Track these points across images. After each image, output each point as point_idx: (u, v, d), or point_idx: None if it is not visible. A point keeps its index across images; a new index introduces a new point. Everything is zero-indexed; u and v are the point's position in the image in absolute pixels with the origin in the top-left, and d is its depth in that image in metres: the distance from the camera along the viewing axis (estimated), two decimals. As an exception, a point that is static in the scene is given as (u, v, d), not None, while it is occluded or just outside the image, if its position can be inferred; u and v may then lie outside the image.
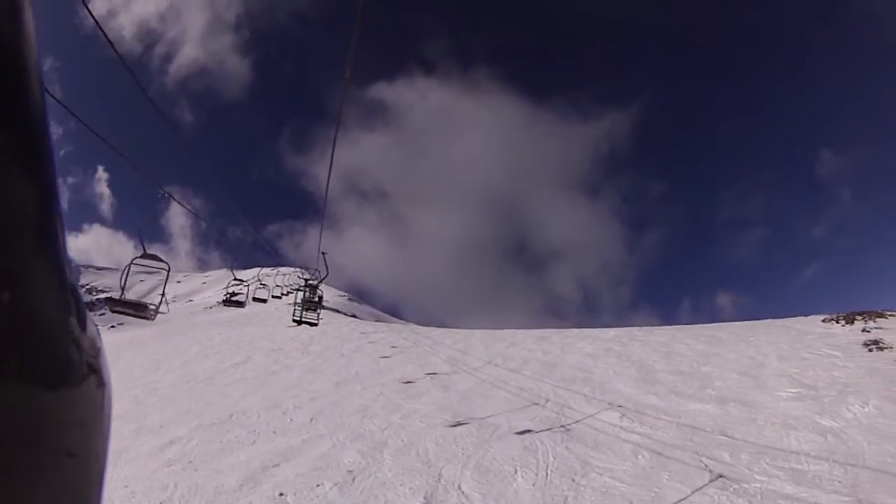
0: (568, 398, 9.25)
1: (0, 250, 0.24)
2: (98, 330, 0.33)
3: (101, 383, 0.31)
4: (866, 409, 6.71)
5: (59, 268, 0.27)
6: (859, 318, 11.68)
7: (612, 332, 16.20)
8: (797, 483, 5.11)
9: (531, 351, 14.39)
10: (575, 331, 18.19)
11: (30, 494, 0.25)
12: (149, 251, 8.25)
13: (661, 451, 6.33)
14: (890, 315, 11.95)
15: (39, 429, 0.25)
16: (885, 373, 8.03)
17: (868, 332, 10.75)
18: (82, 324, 0.29)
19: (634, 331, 16.16)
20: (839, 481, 5.06)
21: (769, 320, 14.41)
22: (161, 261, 8.46)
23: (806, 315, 13.85)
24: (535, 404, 9.05)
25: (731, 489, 5.14)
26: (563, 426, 7.70)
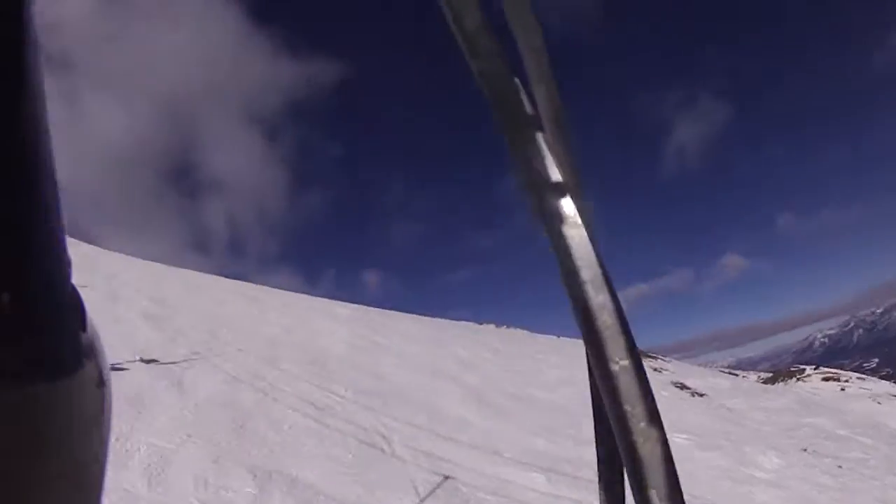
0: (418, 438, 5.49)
1: (0, 250, 0.24)
2: (97, 329, 0.32)
3: (101, 383, 0.30)
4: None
5: (58, 267, 0.27)
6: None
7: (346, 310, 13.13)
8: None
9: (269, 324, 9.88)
10: (280, 294, 14.39)
11: (30, 496, 0.25)
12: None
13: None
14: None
15: (39, 430, 0.25)
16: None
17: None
18: (82, 323, 0.29)
19: (374, 313, 13.97)
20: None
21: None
22: None
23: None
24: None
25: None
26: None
